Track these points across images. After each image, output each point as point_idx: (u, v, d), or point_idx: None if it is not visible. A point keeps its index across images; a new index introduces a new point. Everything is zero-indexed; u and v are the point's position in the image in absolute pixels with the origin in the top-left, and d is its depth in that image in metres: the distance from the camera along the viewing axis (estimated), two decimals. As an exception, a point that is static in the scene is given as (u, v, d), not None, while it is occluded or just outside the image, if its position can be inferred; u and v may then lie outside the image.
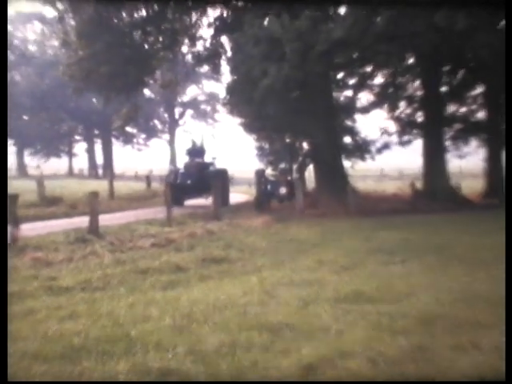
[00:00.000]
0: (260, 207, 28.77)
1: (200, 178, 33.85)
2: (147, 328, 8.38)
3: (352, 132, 33.98)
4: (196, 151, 37.40)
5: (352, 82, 34.61)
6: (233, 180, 37.24)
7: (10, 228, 16.83)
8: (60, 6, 44.51)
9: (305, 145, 34.20)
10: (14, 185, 32.25)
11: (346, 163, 34.35)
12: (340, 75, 33.51)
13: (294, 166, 34.29)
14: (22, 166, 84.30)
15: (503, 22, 29.51)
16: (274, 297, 10.23)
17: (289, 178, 32.89)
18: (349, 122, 34.24)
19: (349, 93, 35.31)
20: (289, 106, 28.10)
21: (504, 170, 34.75)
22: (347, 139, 33.97)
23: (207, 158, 37.14)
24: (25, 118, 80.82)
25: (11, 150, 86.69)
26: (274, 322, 8.54)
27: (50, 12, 71.15)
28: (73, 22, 36.21)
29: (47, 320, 9.00)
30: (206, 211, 26.43)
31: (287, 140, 33.55)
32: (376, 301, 9.72)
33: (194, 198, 34.16)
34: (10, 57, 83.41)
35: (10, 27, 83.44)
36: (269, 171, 33.49)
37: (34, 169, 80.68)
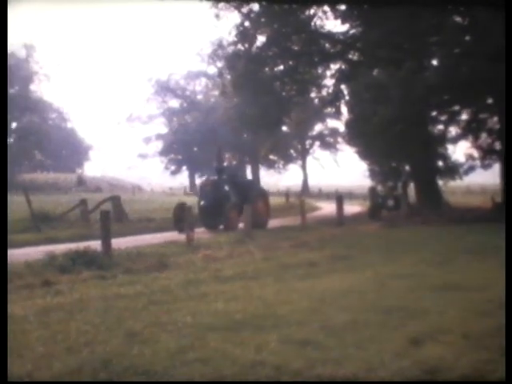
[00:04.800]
0: (373, 216, 28.44)
1: (214, 200, 24.19)
2: (289, 308, 8.44)
3: (444, 157, 33.14)
4: (220, 169, 26.80)
5: (443, 118, 33.84)
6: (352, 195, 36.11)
7: (186, 231, 17.43)
8: (219, 64, 45.73)
9: (407, 167, 33.69)
10: (187, 199, 33.21)
11: (440, 182, 33.65)
12: (434, 113, 32.88)
13: (399, 184, 33.82)
14: (193, 185, 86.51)
15: None
16: (386, 285, 10.11)
17: (395, 193, 32.45)
18: (441, 150, 33.42)
19: (441, 127, 34.55)
20: (394, 137, 27.74)
21: None
22: (440, 163, 33.21)
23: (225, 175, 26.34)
24: (195, 149, 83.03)
25: (185, 173, 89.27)
26: (386, 305, 8.47)
27: (212, 69, 73.57)
28: (229, 77, 37.12)
29: (216, 300, 9.19)
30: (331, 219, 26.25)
31: (393, 164, 33.06)
32: (464, 289, 9.48)
33: (212, 224, 24.05)
34: (184, 104, 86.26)
35: (183, 82, 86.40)
36: (379, 188, 33.12)
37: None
